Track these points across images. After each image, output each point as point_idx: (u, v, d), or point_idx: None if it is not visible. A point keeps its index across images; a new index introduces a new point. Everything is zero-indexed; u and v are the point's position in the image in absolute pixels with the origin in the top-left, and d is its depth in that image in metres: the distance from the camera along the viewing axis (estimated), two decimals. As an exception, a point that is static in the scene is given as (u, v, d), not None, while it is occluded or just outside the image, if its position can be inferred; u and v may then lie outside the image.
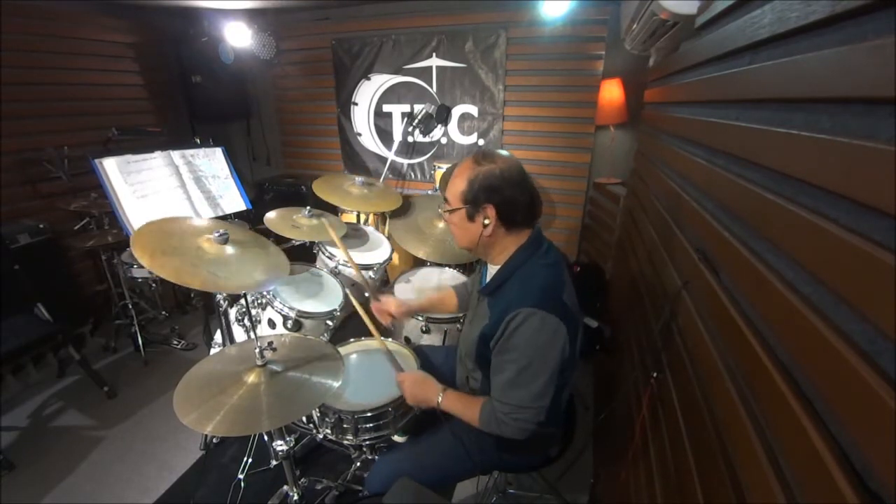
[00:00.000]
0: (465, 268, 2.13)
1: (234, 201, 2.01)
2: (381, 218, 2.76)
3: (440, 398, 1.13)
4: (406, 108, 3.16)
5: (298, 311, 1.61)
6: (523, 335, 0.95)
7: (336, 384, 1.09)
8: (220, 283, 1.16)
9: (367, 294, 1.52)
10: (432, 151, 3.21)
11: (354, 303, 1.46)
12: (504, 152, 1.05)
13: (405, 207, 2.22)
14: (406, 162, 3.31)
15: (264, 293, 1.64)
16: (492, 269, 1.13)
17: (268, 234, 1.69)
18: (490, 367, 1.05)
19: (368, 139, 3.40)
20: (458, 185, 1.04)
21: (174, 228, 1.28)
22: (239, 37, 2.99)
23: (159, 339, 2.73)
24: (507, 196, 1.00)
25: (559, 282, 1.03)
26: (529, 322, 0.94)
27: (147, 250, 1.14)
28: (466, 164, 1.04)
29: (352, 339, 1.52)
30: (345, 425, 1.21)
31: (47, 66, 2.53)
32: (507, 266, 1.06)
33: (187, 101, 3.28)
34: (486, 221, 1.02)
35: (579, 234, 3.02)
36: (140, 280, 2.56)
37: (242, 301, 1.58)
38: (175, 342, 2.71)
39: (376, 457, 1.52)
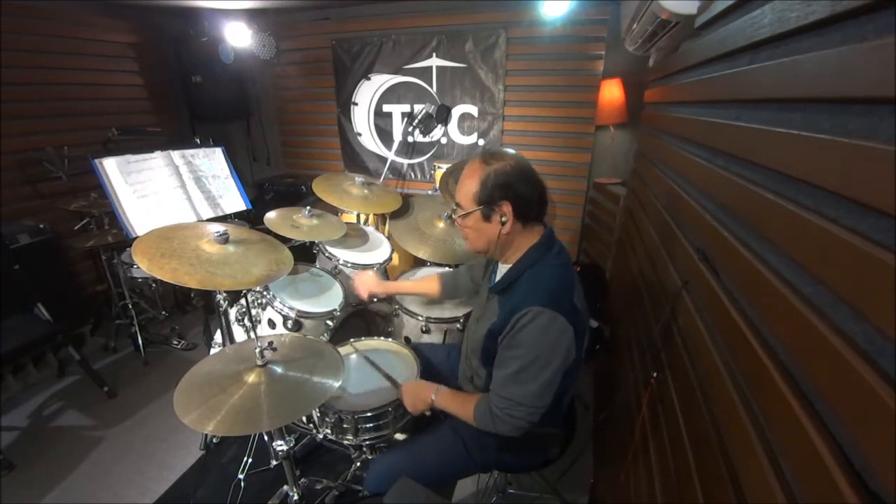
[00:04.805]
0: (465, 268, 2.13)
1: (234, 201, 2.01)
2: (381, 218, 2.76)
3: (434, 396, 1.14)
4: (406, 108, 3.15)
5: (298, 311, 1.61)
6: (531, 333, 0.95)
7: (336, 384, 1.09)
8: (217, 280, 1.16)
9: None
10: (432, 151, 3.21)
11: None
12: (510, 150, 1.05)
13: (405, 207, 2.22)
14: (406, 162, 3.31)
15: (264, 293, 1.64)
16: (502, 268, 1.13)
17: (268, 234, 1.70)
18: (494, 363, 1.06)
19: (368, 139, 3.40)
20: (470, 187, 1.03)
21: (174, 232, 1.29)
22: (239, 37, 2.99)
23: (159, 339, 2.73)
24: (520, 192, 1.00)
25: (570, 283, 1.03)
26: (538, 320, 0.94)
27: (146, 255, 1.14)
28: (475, 166, 1.03)
29: (352, 339, 1.52)
30: (345, 425, 1.21)
31: (47, 66, 2.53)
32: (519, 264, 1.06)
33: (187, 101, 3.28)
34: (504, 219, 1.01)
35: (579, 234, 3.02)
36: (140, 280, 2.56)
37: (242, 301, 1.58)
38: (175, 342, 2.71)
39: (376, 456, 1.53)
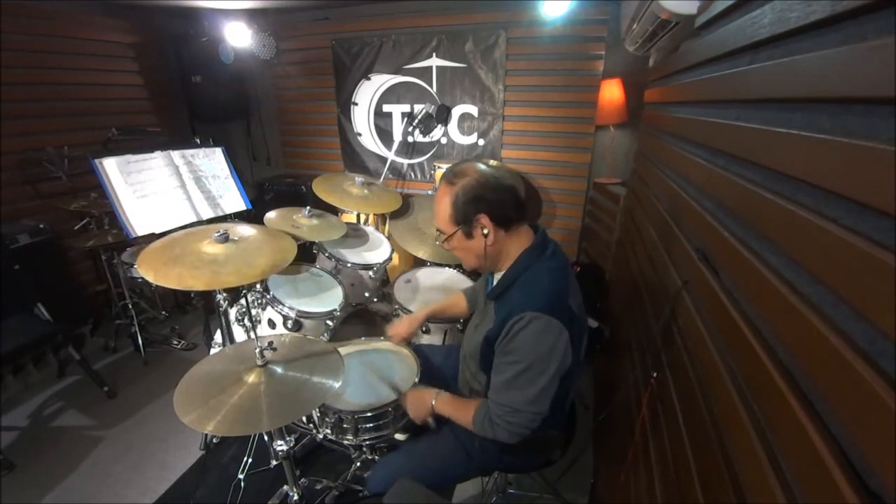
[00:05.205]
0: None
1: (234, 201, 2.01)
2: (381, 218, 2.76)
3: (434, 402, 1.14)
4: (406, 108, 3.15)
5: (298, 311, 1.62)
6: (525, 338, 0.95)
7: (336, 384, 1.09)
8: (223, 278, 1.16)
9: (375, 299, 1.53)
10: (432, 151, 3.21)
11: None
12: (478, 164, 1.05)
13: (405, 207, 2.22)
14: (406, 162, 3.31)
15: (264, 293, 1.64)
16: (498, 274, 1.13)
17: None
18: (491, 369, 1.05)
19: (368, 139, 3.40)
20: (444, 211, 1.05)
21: (175, 240, 1.30)
22: (239, 37, 2.99)
23: (159, 339, 2.73)
24: (492, 200, 1.01)
25: (565, 285, 1.03)
26: (532, 325, 0.94)
27: (151, 267, 1.15)
28: (442, 190, 1.05)
29: (352, 339, 1.52)
30: (345, 425, 1.22)
31: (47, 66, 2.53)
32: (512, 269, 1.06)
33: (187, 101, 3.28)
34: (485, 231, 1.02)
35: (579, 234, 3.02)
36: (140, 280, 2.55)
37: (242, 301, 1.58)
38: (175, 342, 2.71)
39: (376, 457, 1.53)
